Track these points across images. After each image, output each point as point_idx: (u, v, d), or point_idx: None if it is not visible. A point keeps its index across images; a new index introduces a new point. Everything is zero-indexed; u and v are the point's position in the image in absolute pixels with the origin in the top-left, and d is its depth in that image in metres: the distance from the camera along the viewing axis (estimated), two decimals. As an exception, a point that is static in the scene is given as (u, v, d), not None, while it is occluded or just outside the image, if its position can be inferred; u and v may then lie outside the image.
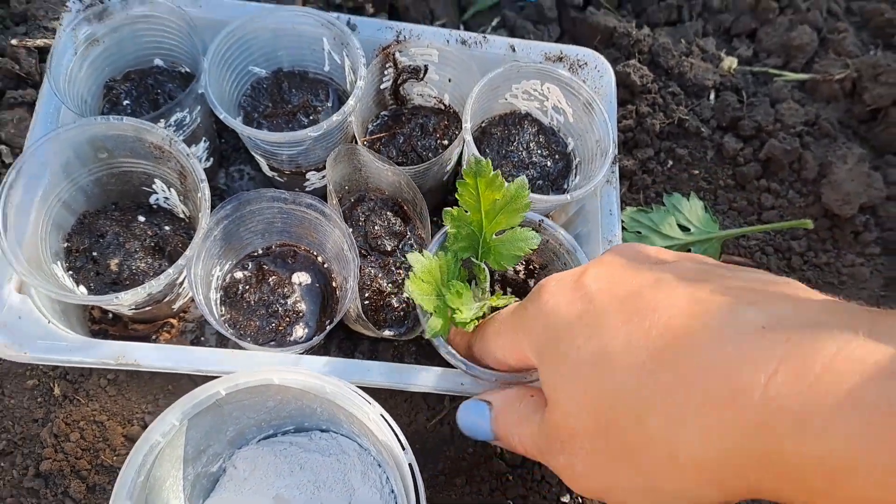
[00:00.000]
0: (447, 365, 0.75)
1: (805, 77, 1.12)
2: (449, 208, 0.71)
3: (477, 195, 0.69)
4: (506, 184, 0.69)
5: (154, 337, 0.91)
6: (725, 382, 0.43)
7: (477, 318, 0.70)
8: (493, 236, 0.71)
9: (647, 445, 0.49)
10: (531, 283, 0.86)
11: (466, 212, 0.70)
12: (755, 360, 0.42)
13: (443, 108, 1.01)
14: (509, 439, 0.65)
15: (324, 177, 0.97)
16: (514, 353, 0.64)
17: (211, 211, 0.78)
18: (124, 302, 0.77)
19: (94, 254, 0.85)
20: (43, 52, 1.06)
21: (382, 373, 0.79)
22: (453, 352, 0.72)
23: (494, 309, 0.72)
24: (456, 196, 0.70)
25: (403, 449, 0.72)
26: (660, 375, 0.47)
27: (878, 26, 1.15)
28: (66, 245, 0.86)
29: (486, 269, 0.74)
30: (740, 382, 0.43)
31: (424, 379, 0.79)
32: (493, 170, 0.68)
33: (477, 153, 0.83)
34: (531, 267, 0.87)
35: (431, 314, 0.70)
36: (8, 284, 0.78)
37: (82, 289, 0.84)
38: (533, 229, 0.72)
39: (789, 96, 1.10)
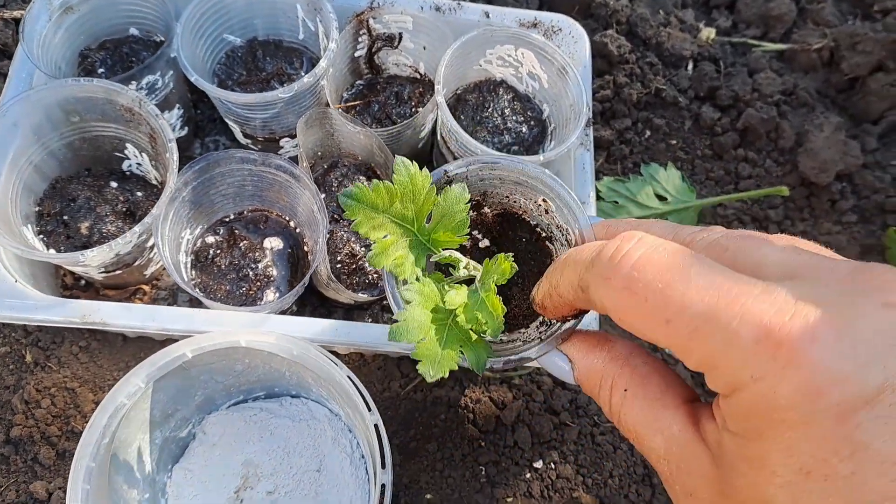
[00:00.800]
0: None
1: (783, 47, 1.11)
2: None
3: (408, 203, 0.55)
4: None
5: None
6: None
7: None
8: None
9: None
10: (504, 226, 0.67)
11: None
12: None
13: (418, 76, 1.01)
14: (605, 409, 0.52)
15: (297, 143, 0.97)
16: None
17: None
18: (91, 262, 0.77)
19: (65, 217, 0.85)
20: (19, 23, 1.06)
21: (348, 329, 0.78)
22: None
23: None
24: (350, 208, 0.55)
25: (369, 410, 0.72)
26: None
27: (857, -3, 1.15)
28: (37, 209, 0.86)
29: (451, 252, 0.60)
30: None
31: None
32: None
33: (451, 119, 0.83)
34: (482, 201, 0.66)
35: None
36: (-25, 244, 0.78)
37: (52, 251, 0.84)
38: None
39: (767, 66, 1.10)
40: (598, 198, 1.03)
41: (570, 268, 0.49)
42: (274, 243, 0.89)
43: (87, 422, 0.88)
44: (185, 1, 0.89)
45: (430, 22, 0.94)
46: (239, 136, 0.96)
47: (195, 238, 0.88)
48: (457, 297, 0.54)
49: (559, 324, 0.56)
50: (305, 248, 0.89)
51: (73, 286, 0.91)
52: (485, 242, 0.65)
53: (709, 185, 1.06)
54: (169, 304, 0.92)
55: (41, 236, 0.85)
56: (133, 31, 0.96)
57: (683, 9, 1.16)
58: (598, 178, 1.05)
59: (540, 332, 0.58)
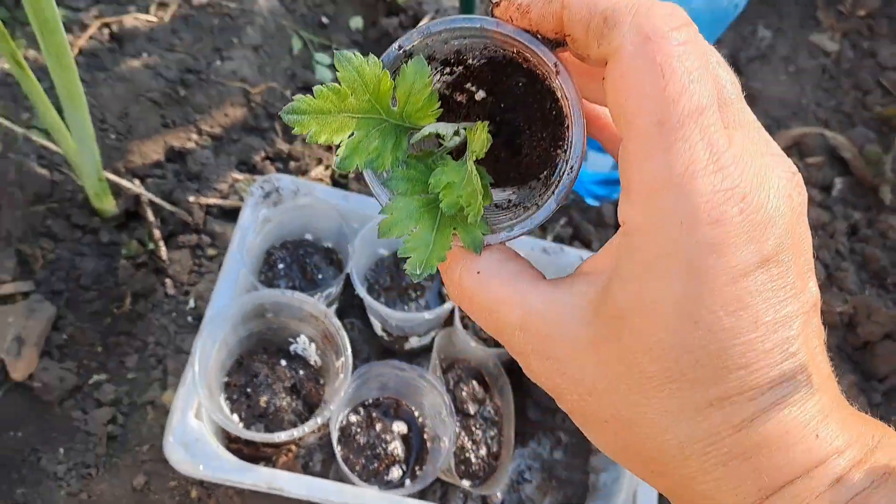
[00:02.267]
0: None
1: (812, 305, 1.37)
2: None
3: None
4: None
5: (275, 458, 1.14)
6: None
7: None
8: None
9: None
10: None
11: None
12: None
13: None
14: (448, 287, 0.47)
15: (420, 341, 1.22)
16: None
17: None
18: (278, 440, 1.01)
19: (248, 390, 1.09)
20: (210, 208, 1.34)
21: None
22: None
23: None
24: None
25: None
26: None
27: (874, 270, 1.41)
28: (226, 380, 1.10)
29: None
30: None
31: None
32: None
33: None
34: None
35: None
36: (190, 411, 1.02)
37: (235, 417, 1.08)
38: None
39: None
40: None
41: None
42: (401, 428, 1.13)
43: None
44: (352, 218, 1.16)
45: (536, 260, 1.20)
46: (377, 329, 1.22)
47: (344, 417, 1.12)
48: (442, 175, 0.47)
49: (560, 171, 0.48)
50: (425, 437, 1.13)
51: (236, 439, 1.15)
52: (481, 94, 0.54)
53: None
54: (306, 462, 1.15)
55: (227, 402, 1.09)
56: (307, 236, 1.24)
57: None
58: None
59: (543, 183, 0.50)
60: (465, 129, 0.48)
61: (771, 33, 1.76)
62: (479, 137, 0.46)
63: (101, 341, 1.22)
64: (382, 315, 1.14)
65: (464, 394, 1.16)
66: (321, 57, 1.55)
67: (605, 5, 0.40)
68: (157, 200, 1.30)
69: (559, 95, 0.47)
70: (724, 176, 0.37)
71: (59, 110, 1.08)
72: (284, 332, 1.14)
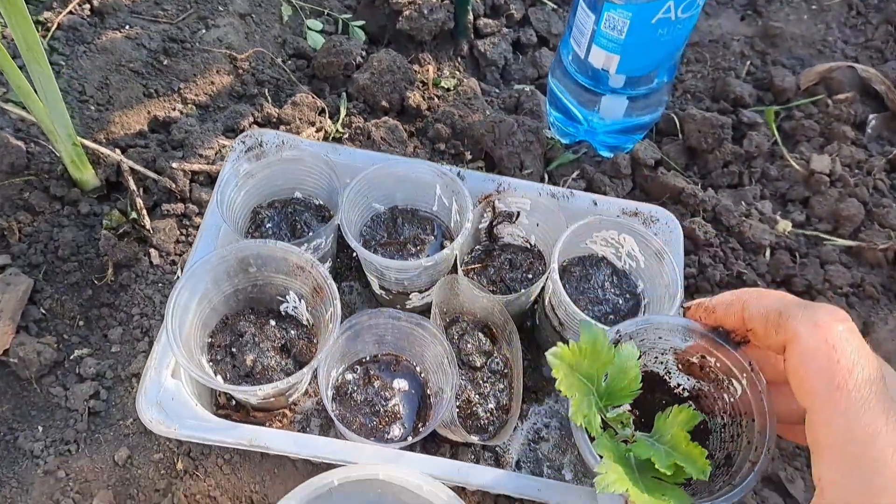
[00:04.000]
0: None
1: (852, 244, 1.25)
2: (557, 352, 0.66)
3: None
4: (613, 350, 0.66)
5: (268, 424, 1.05)
6: None
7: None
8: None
9: None
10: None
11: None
12: None
13: (529, 247, 1.17)
14: None
15: (423, 297, 1.13)
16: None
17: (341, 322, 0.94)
18: (260, 394, 0.92)
19: (233, 349, 1.00)
20: (195, 174, 1.27)
21: (468, 469, 0.90)
22: None
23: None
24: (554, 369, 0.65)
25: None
26: None
27: (920, 204, 1.29)
28: (209, 340, 1.02)
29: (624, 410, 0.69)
30: None
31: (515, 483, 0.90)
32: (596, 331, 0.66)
33: (563, 293, 0.98)
34: None
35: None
36: (166, 370, 0.94)
37: (219, 378, 0.99)
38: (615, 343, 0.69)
39: (837, 259, 1.23)
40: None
41: (773, 296, 0.56)
42: (401, 384, 1.03)
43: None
44: (344, 173, 1.08)
45: (545, 205, 1.10)
46: (375, 287, 1.13)
47: (338, 375, 1.02)
48: (642, 449, 0.63)
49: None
50: (428, 392, 1.03)
51: (225, 405, 1.06)
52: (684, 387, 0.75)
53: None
54: (303, 427, 1.06)
55: (211, 363, 1.00)
56: (297, 194, 1.15)
57: (762, 200, 1.32)
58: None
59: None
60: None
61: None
62: (685, 416, 0.66)
63: (82, 314, 1.14)
64: (378, 268, 1.05)
65: (469, 346, 1.05)
66: (313, 23, 1.49)
67: (778, 305, 0.54)
68: (140, 168, 1.23)
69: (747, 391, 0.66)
70: None
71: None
72: (272, 290, 1.05)
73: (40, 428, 1.05)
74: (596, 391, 0.65)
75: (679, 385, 0.76)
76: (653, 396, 0.76)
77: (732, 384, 0.69)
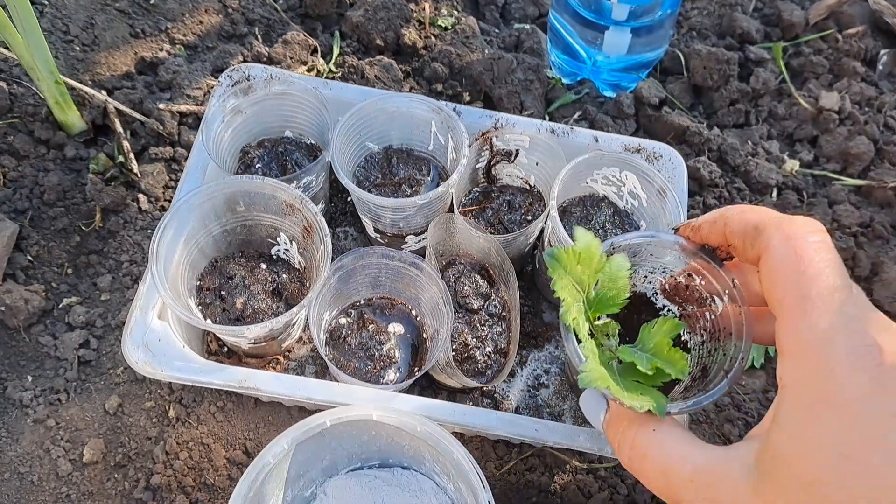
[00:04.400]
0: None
1: (861, 182, 1.21)
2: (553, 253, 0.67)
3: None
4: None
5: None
6: None
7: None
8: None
9: None
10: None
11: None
12: None
13: (528, 187, 1.13)
14: (619, 448, 0.62)
15: (420, 241, 1.09)
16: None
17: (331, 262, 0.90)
18: (249, 335, 0.89)
19: (223, 293, 0.98)
20: (183, 116, 1.22)
21: (464, 411, 0.88)
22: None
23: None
24: (549, 274, 0.67)
25: (484, 487, 0.81)
26: None
27: (933, 140, 1.25)
28: (198, 283, 0.99)
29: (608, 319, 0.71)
30: None
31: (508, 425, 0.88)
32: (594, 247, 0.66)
33: (563, 232, 0.94)
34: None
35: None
36: (152, 311, 0.91)
37: (209, 321, 0.96)
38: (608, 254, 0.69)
39: (846, 199, 1.19)
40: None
41: (754, 212, 0.57)
42: (397, 328, 1.01)
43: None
44: (336, 109, 1.04)
45: (544, 142, 1.06)
46: (370, 230, 1.09)
47: (331, 318, 1.00)
48: (626, 354, 0.65)
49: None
50: (424, 335, 1.00)
51: (216, 352, 1.03)
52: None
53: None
54: (297, 374, 1.04)
55: (200, 307, 0.98)
56: (288, 133, 1.11)
57: (769, 140, 1.28)
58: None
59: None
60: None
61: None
62: (668, 326, 0.68)
63: (70, 261, 1.12)
64: (372, 207, 1.01)
65: (466, 289, 1.02)
66: (303, -38, 1.43)
67: (756, 219, 0.56)
68: (126, 110, 1.19)
69: (728, 300, 0.67)
70: (860, 337, 0.46)
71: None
72: (262, 232, 1.02)
73: (30, 377, 1.03)
74: (586, 298, 0.67)
75: (665, 307, 0.78)
76: (639, 317, 0.77)
77: (715, 301, 0.70)
